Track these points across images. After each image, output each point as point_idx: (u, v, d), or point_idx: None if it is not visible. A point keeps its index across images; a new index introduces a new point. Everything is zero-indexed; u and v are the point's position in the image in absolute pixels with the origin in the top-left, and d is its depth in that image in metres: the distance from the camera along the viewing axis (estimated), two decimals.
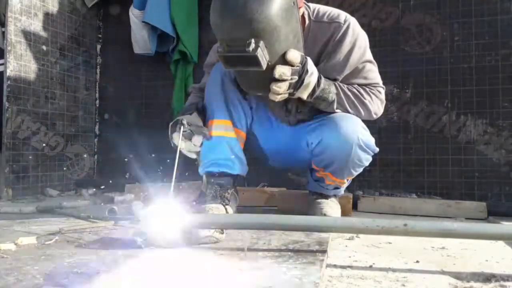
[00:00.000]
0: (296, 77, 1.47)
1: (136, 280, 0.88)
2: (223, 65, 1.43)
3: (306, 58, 1.50)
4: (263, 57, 1.35)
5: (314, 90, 1.54)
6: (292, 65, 1.45)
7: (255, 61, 1.34)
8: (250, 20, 1.31)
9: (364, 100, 1.68)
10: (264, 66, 1.37)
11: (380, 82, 1.75)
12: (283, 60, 1.43)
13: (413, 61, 2.63)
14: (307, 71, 1.49)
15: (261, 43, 1.33)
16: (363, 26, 1.74)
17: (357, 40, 1.67)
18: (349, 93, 1.66)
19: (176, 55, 2.96)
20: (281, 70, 1.43)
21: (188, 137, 1.60)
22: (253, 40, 1.32)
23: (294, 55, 1.44)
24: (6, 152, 2.62)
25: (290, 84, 1.47)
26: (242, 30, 1.33)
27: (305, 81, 1.50)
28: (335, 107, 1.65)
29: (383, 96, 1.74)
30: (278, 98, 1.50)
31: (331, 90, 1.60)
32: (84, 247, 1.19)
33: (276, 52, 1.41)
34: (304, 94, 1.54)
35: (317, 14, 1.70)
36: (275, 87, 1.45)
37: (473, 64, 2.53)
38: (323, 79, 1.57)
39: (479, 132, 2.50)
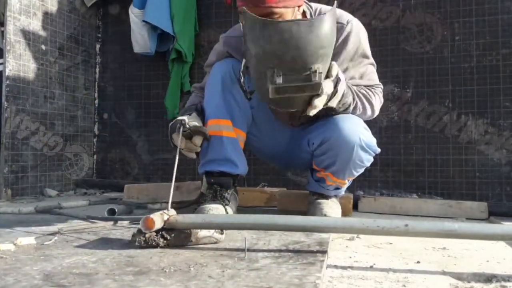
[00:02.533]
0: (332, 88, 1.44)
1: (135, 280, 0.88)
2: (273, 95, 1.33)
3: (335, 65, 1.46)
4: (321, 80, 1.32)
5: (342, 96, 1.51)
6: (332, 77, 1.42)
7: (316, 87, 1.30)
8: (317, 47, 1.27)
9: (372, 101, 1.68)
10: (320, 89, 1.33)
11: (379, 82, 1.75)
12: (326, 74, 1.40)
13: (413, 60, 2.63)
14: (339, 79, 1.46)
15: (322, 68, 1.30)
16: (363, 25, 1.74)
17: (360, 42, 1.67)
18: (361, 95, 1.65)
19: (173, 54, 2.95)
20: (326, 86, 1.38)
21: (188, 137, 1.59)
22: (317, 68, 1.27)
23: (336, 69, 1.41)
24: (5, 152, 2.62)
25: (328, 96, 1.44)
26: (308, 57, 1.28)
27: (339, 90, 1.47)
28: (351, 109, 1.62)
29: (382, 96, 1.75)
30: (315, 112, 1.45)
31: (349, 92, 1.57)
32: (83, 247, 1.19)
33: (326, 70, 1.38)
34: (334, 103, 1.49)
35: (319, 14, 1.70)
36: (316, 102, 1.39)
37: (474, 64, 2.52)
38: (345, 83, 1.53)
39: (480, 132, 2.50)
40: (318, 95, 1.38)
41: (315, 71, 1.28)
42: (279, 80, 1.30)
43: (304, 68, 1.29)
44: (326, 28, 1.30)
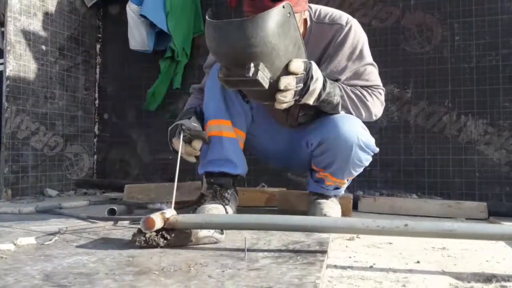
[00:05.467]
0: (301, 85, 1.45)
1: (135, 280, 0.88)
2: (226, 87, 1.45)
3: (310, 63, 1.47)
4: (264, 78, 1.34)
5: (319, 95, 1.52)
6: (296, 74, 1.42)
7: (257, 83, 1.33)
8: (246, 46, 1.29)
9: (366, 102, 1.67)
10: (267, 85, 1.36)
11: (381, 84, 1.75)
12: (287, 71, 1.41)
13: (413, 60, 2.63)
14: (312, 77, 1.46)
15: (261, 66, 1.32)
16: (363, 26, 1.74)
17: (358, 42, 1.67)
18: (352, 95, 1.65)
19: (168, 52, 2.94)
20: (286, 81, 1.41)
21: (188, 141, 1.59)
22: (252, 65, 1.30)
23: (297, 65, 1.41)
24: (5, 152, 2.62)
25: (295, 92, 1.45)
26: (240, 55, 1.31)
27: (311, 88, 1.47)
28: (339, 109, 1.63)
29: (383, 98, 1.74)
30: (284, 106, 1.48)
31: (335, 92, 1.58)
32: (84, 247, 1.19)
33: (278, 68, 1.39)
34: (310, 100, 1.52)
35: (318, 15, 1.70)
36: (280, 97, 1.43)
37: (474, 64, 2.52)
38: (328, 82, 1.55)
39: (480, 132, 2.50)
40: (281, 91, 1.41)
41: (249, 68, 1.31)
42: (220, 74, 1.38)
43: (240, 64, 1.33)
44: (261, 28, 1.29)
